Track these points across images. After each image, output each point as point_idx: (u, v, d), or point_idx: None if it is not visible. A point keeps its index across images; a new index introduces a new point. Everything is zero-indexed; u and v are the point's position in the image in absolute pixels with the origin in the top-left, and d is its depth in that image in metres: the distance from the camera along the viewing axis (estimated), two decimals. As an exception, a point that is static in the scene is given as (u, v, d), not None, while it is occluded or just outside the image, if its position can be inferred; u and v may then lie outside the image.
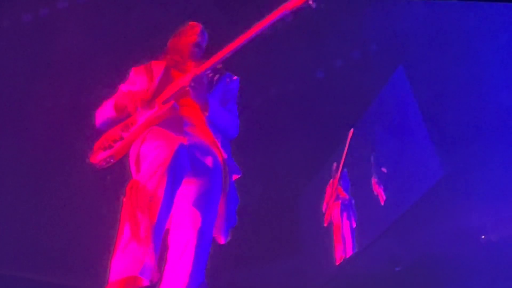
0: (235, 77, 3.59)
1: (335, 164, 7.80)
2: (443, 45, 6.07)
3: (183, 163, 2.96)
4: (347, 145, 7.47)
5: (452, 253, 5.98)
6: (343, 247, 7.37)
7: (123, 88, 3.46)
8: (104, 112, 3.41)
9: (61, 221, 6.32)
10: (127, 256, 2.69)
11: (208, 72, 3.30)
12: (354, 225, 7.27)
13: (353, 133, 7.47)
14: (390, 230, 6.63)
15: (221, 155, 3.24)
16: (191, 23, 3.62)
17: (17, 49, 6.03)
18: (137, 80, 3.45)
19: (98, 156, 3.24)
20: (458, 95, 6.00)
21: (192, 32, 3.55)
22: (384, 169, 6.78)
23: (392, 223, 6.58)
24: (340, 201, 7.60)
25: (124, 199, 2.84)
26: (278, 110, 6.93)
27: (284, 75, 6.79)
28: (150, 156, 2.95)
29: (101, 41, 5.98)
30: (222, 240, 3.22)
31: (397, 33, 6.18)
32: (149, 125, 3.18)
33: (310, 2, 3.02)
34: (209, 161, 3.20)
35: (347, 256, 7.28)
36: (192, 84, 3.15)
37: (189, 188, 3.13)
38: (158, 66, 3.48)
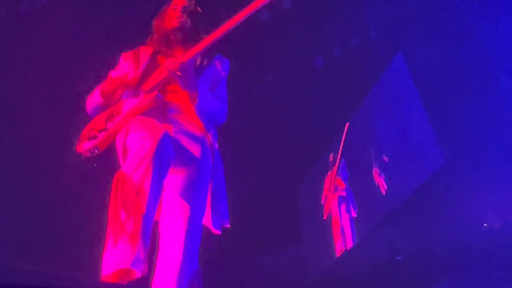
0: (225, 60, 3.53)
1: (332, 155, 7.77)
2: (443, 31, 6.02)
3: (168, 152, 2.95)
4: (343, 137, 7.43)
5: (453, 240, 5.95)
6: (343, 240, 7.35)
7: (112, 74, 3.43)
8: (93, 99, 3.39)
9: (51, 212, 6.30)
10: (117, 249, 2.68)
11: (197, 57, 3.26)
12: (354, 216, 7.24)
13: (350, 123, 7.44)
14: (391, 218, 6.60)
15: (210, 141, 3.21)
16: (174, 1, 3.54)
17: (11, 38, 5.97)
18: (126, 66, 3.42)
19: (83, 146, 3.23)
20: (458, 81, 5.95)
21: (173, 15, 3.46)
22: (385, 158, 6.73)
23: (392, 212, 6.55)
24: (338, 193, 7.56)
25: (111, 192, 2.82)
26: (276, 98, 6.88)
27: (282, 63, 6.74)
28: (134, 148, 2.94)
29: (97, 29, 5.93)
30: (214, 230, 3.21)
31: (396, 19, 6.13)
32: (133, 114, 3.16)
33: None
34: (197, 148, 3.19)
35: (347, 248, 7.26)
36: (178, 73, 3.11)
37: (177, 177, 3.13)
38: (145, 52, 3.44)
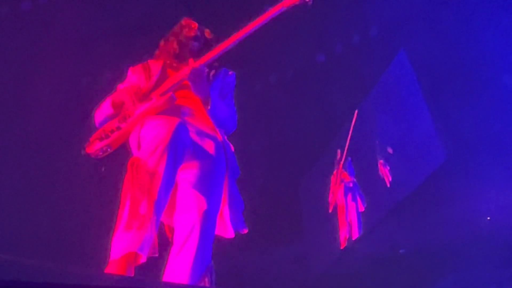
0: (231, 72, 3.60)
1: (339, 151, 7.78)
2: (445, 28, 6.02)
3: (184, 140, 2.99)
4: (351, 127, 7.43)
5: (456, 235, 5.98)
6: (348, 229, 7.36)
7: (121, 87, 3.45)
8: (102, 111, 3.41)
9: (59, 207, 6.33)
10: (128, 233, 2.70)
11: (205, 67, 3.30)
12: (361, 208, 7.25)
13: (357, 115, 7.43)
14: (394, 213, 6.64)
15: (222, 140, 3.25)
16: (185, 20, 3.61)
17: (14, 38, 6.00)
18: (135, 79, 3.45)
19: (95, 146, 3.24)
20: (460, 78, 5.97)
21: (189, 28, 3.54)
22: (390, 150, 6.75)
23: (396, 206, 6.58)
24: (344, 183, 7.59)
25: (125, 176, 2.85)
26: (279, 96, 6.90)
27: (284, 61, 6.75)
28: (149, 135, 2.98)
29: (101, 30, 5.95)
30: (228, 234, 3.21)
31: (398, 16, 6.13)
32: (147, 115, 3.18)
33: (307, 0, 3.08)
34: (210, 145, 3.21)
35: (353, 238, 7.28)
36: (191, 77, 3.15)
37: (192, 172, 3.14)
38: (155, 65, 3.49)
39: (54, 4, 5.91)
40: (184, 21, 3.60)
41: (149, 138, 2.96)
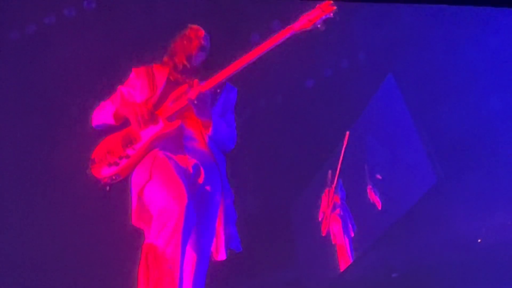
0: (234, 88, 3.62)
1: (330, 172, 7.78)
2: (432, 51, 6.08)
3: (193, 220, 2.99)
4: (343, 150, 7.43)
5: (448, 258, 5.96)
6: (345, 258, 7.34)
7: (123, 89, 3.46)
8: (102, 116, 3.43)
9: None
10: None
11: (216, 88, 3.32)
12: (352, 235, 7.25)
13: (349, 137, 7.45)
14: (386, 236, 6.62)
15: (219, 170, 3.26)
16: (193, 26, 3.58)
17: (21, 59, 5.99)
18: (138, 84, 3.45)
19: (103, 172, 3.23)
20: (449, 101, 6.01)
21: (196, 36, 3.51)
22: (379, 176, 6.77)
23: (387, 230, 6.57)
24: (338, 210, 7.57)
25: (141, 264, 2.87)
26: (268, 121, 6.91)
27: (273, 86, 6.78)
28: (160, 217, 2.94)
29: (104, 48, 5.95)
30: (220, 257, 3.27)
31: (386, 40, 6.19)
32: (155, 142, 3.21)
33: (319, 26, 3.10)
34: (209, 179, 3.25)
35: (346, 264, 7.26)
36: (196, 102, 3.16)
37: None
38: (160, 73, 3.48)
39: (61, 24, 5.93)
40: (191, 30, 3.55)
41: (161, 221, 2.92)
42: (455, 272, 5.84)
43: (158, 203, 3.00)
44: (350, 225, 7.33)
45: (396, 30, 6.11)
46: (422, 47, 6.13)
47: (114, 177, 3.21)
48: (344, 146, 7.46)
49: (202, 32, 3.53)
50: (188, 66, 3.46)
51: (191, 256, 3.08)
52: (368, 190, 6.92)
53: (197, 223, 3.08)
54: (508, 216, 5.83)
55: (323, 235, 7.80)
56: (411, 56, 6.16)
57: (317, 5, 3.19)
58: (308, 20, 3.15)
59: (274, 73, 6.40)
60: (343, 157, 7.48)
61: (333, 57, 6.55)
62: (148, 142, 3.20)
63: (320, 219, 7.89)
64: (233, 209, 3.37)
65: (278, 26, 3.31)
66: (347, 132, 7.40)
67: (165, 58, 3.57)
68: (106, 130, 3.41)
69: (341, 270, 7.41)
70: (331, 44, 6.25)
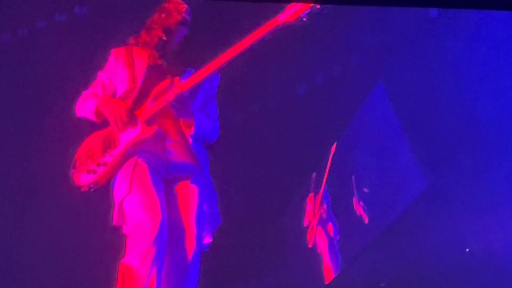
0: (217, 74, 3.55)
1: (314, 174, 7.75)
2: (424, 59, 6.09)
3: (166, 238, 3.00)
4: (329, 160, 7.43)
5: (437, 265, 5.97)
6: (330, 270, 7.32)
7: (103, 76, 3.42)
8: (84, 110, 3.43)
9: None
10: None
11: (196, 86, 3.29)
12: (338, 245, 7.24)
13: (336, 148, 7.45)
14: (374, 244, 6.61)
15: (202, 172, 3.24)
16: (171, 1, 3.48)
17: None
18: (118, 69, 3.40)
19: (82, 179, 3.23)
20: (438, 107, 6.02)
21: (176, 9, 3.42)
22: (366, 190, 6.76)
23: (375, 238, 6.56)
24: (325, 222, 7.55)
25: (118, 285, 2.90)
26: (259, 127, 6.90)
27: (264, 92, 6.77)
28: (135, 234, 2.98)
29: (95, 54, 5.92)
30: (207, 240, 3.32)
31: (376, 46, 6.19)
32: (133, 147, 3.21)
33: (304, 19, 3.05)
34: (191, 183, 3.24)
35: (334, 275, 7.24)
36: (175, 105, 3.14)
37: (174, 201, 3.24)
38: (140, 58, 3.41)
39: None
40: (171, 3, 3.45)
41: (136, 239, 2.96)
42: (445, 280, 5.85)
43: (134, 218, 3.00)
44: (337, 237, 7.31)
45: (387, 37, 6.12)
46: (414, 55, 6.14)
47: (92, 185, 3.25)
48: (331, 157, 7.45)
49: (183, 6, 3.44)
50: (168, 41, 3.39)
51: (175, 265, 3.08)
52: (354, 203, 6.90)
53: (178, 228, 3.08)
54: (499, 221, 5.83)
55: (310, 246, 7.78)
56: (404, 61, 6.17)
57: None
58: (294, 12, 3.06)
59: (266, 77, 6.40)
60: (330, 167, 7.46)
61: (326, 62, 6.55)
62: (126, 148, 3.20)
63: (305, 225, 7.87)
64: (218, 213, 3.36)
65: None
66: (334, 143, 7.41)
67: (143, 33, 3.49)
68: (90, 124, 3.41)
69: (326, 282, 7.39)
70: (324, 49, 6.25)
